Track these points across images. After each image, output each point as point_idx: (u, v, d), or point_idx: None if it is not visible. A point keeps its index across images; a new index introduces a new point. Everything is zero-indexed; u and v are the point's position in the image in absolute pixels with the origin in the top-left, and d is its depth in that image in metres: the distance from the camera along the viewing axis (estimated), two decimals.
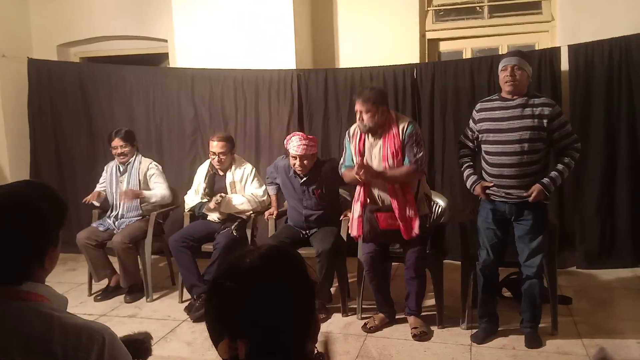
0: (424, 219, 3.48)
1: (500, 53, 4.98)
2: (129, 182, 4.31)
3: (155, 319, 3.86)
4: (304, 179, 3.89)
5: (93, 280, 4.31)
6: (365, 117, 3.35)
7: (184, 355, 3.30)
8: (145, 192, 4.29)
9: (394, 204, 3.37)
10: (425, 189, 3.58)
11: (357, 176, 3.32)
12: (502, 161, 3.16)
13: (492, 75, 4.52)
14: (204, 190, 4.20)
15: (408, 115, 4.67)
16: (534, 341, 3.24)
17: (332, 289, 3.98)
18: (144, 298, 4.20)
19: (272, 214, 4.16)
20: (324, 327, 3.50)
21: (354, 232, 3.55)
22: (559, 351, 3.17)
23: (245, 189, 4.16)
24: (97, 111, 5.43)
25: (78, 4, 5.76)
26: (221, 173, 4.21)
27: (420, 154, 3.37)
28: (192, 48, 5.17)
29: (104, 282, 4.35)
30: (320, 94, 4.96)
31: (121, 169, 4.37)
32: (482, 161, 3.32)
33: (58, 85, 5.48)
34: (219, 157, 4.10)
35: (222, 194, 4.08)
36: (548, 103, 3.14)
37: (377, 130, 3.40)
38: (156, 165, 4.42)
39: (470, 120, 3.39)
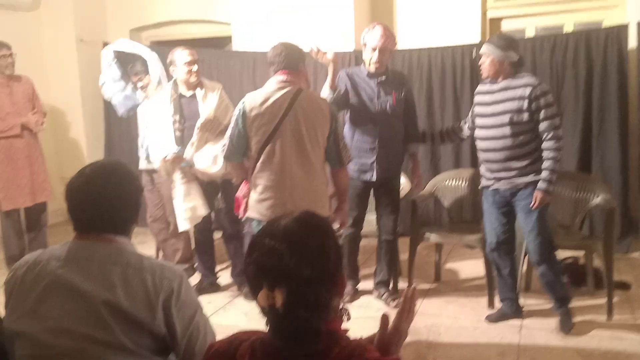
0: None
1: (565, 31, 4.82)
2: None
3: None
4: (382, 78, 3.47)
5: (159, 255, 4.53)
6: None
7: (241, 325, 3.48)
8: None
9: None
10: None
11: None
12: (488, 146, 3.15)
13: (555, 55, 4.40)
14: (178, 121, 3.53)
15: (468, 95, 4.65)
16: (564, 324, 3.21)
17: None
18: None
19: None
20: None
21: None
22: (613, 336, 3.12)
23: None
24: None
25: None
26: (187, 93, 3.57)
27: None
28: (253, 31, 5.31)
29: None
30: None
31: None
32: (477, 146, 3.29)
33: None
34: (197, 65, 3.51)
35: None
36: (529, 83, 3.03)
37: None
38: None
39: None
